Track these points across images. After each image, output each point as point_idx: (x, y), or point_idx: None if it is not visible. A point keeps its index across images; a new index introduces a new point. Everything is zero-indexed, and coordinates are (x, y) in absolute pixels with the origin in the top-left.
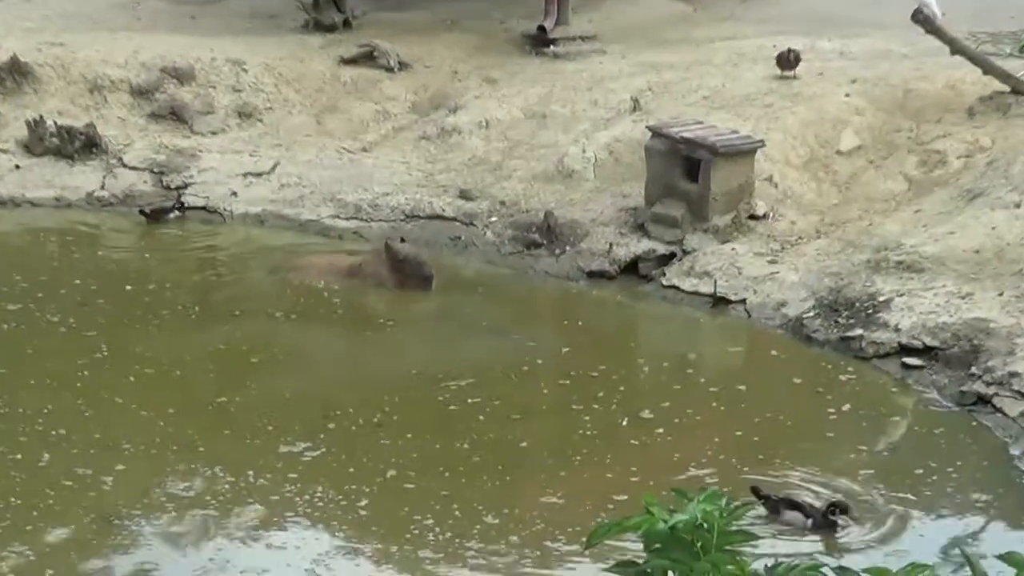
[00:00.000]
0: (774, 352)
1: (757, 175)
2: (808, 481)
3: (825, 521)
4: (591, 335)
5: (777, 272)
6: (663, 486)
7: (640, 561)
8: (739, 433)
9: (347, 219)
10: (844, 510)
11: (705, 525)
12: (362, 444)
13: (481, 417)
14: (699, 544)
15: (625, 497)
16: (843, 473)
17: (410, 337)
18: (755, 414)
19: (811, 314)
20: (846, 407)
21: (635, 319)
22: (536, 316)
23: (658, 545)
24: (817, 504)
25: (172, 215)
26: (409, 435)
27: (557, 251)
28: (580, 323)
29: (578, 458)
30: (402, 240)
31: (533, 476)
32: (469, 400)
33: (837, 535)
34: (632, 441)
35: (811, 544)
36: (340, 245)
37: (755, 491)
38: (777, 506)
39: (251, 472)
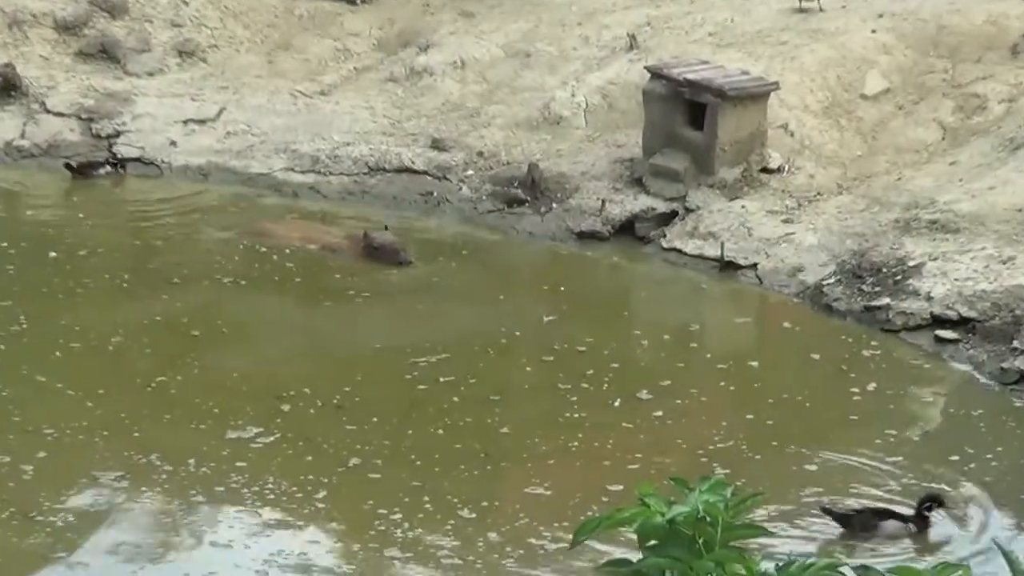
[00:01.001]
0: (789, 324)
1: (770, 122)
2: (828, 473)
3: (923, 520)
4: (580, 304)
5: (793, 233)
6: (662, 475)
7: (634, 559)
8: (750, 416)
9: (302, 172)
10: (939, 503)
11: (708, 518)
12: (320, 429)
13: (455, 398)
14: (701, 540)
15: (620, 487)
16: (869, 461)
17: (375, 308)
18: (768, 394)
19: (831, 281)
20: (871, 386)
21: (631, 286)
22: (518, 283)
23: (654, 541)
24: (894, 506)
25: (103, 170)
26: (374, 419)
27: (542, 209)
28: (568, 291)
29: (566, 444)
30: (385, 228)
31: (515, 464)
32: (441, 379)
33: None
34: (626, 425)
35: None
36: (296, 203)
37: (828, 512)
38: (866, 521)
39: (193, 460)
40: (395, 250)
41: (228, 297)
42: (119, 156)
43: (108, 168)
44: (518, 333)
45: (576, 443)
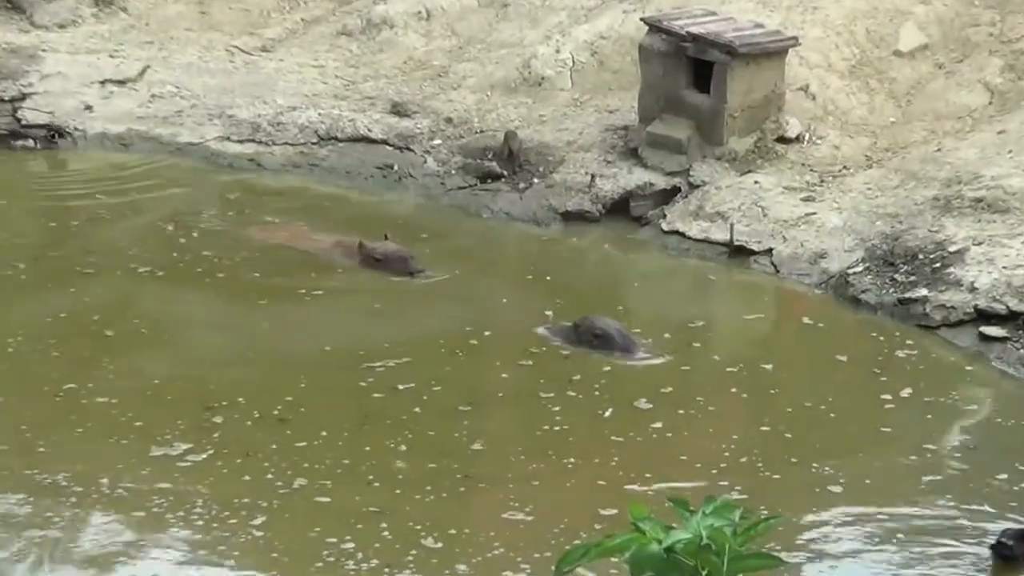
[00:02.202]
0: (810, 319)
1: (788, 84)
2: (856, 494)
3: None
4: (565, 297)
5: (814, 213)
6: (661, 497)
7: None
8: (765, 428)
9: (240, 142)
10: None
11: (712, 546)
12: (259, 444)
13: (417, 409)
14: (704, 572)
15: (612, 512)
16: (903, 481)
17: (322, 305)
18: (786, 402)
19: (859, 269)
20: (906, 392)
21: (625, 275)
22: (492, 273)
23: (650, 573)
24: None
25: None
26: (322, 432)
27: (521, 185)
28: (551, 281)
29: (548, 462)
30: (385, 237)
31: (488, 486)
32: (401, 386)
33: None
34: (619, 439)
35: None
36: (232, 177)
37: (1000, 550)
38: None
39: (106, 480)
40: (403, 259)
41: (147, 291)
42: (23, 122)
43: (23, 142)
44: (491, 332)
45: (560, 460)
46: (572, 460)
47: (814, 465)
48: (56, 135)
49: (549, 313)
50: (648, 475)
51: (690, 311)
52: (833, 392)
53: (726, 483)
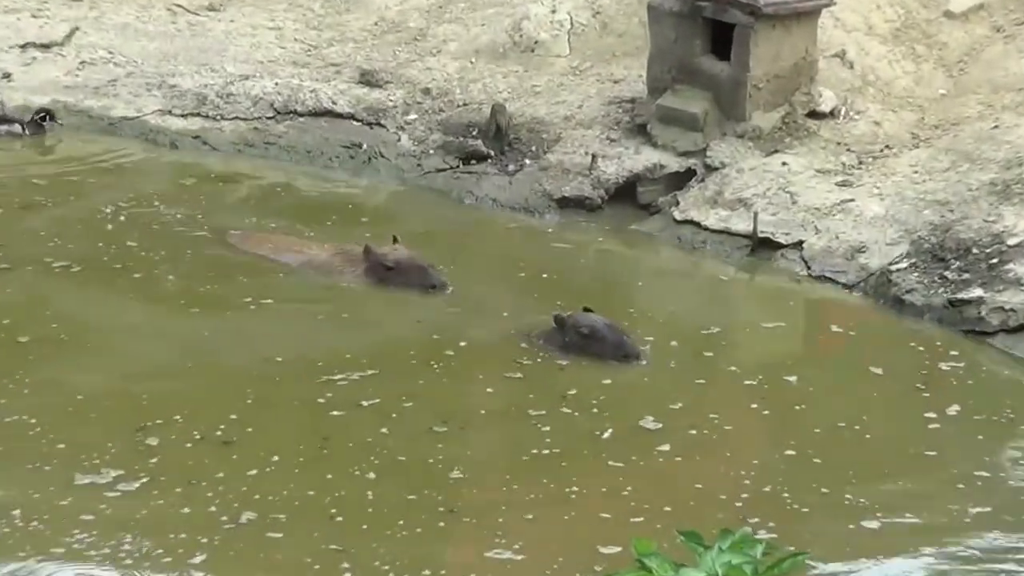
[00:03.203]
0: (844, 325)
1: (822, 50)
2: (896, 529)
3: None
4: (561, 298)
5: (852, 200)
6: (670, 531)
7: None
8: (790, 452)
9: (184, 116)
10: None
11: None
12: (201, 470)
13: (385, 429)
14: None
15: (616, 549)
16: (949, 513)
17: (275, 309)
18: (814, 422)
19: (904, 265)
20: (953, 410)
21: (630, 273)
22: (475, 270)
23: None
24: None
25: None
26: (274, 457)
27: (511, 167)
28: (544, 280)
29: (539, 491)
30: (395, 240)
31: (469, 519)
32: (366, 402)
33: None
34: (619, 464)
35: None
36: (174, 157)
37: None
38: None
39: (18, 512)
40: (420, 269)
41: (66, 290)
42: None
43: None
44: (473, 340)
45: (553, 489)
46: (567, 489)
47: (847, 495)
48: (46, 117)
49: (522, 318)
50: (655, 506)
51: (705, 315)
52: (869, 410)
53: (745, 516)
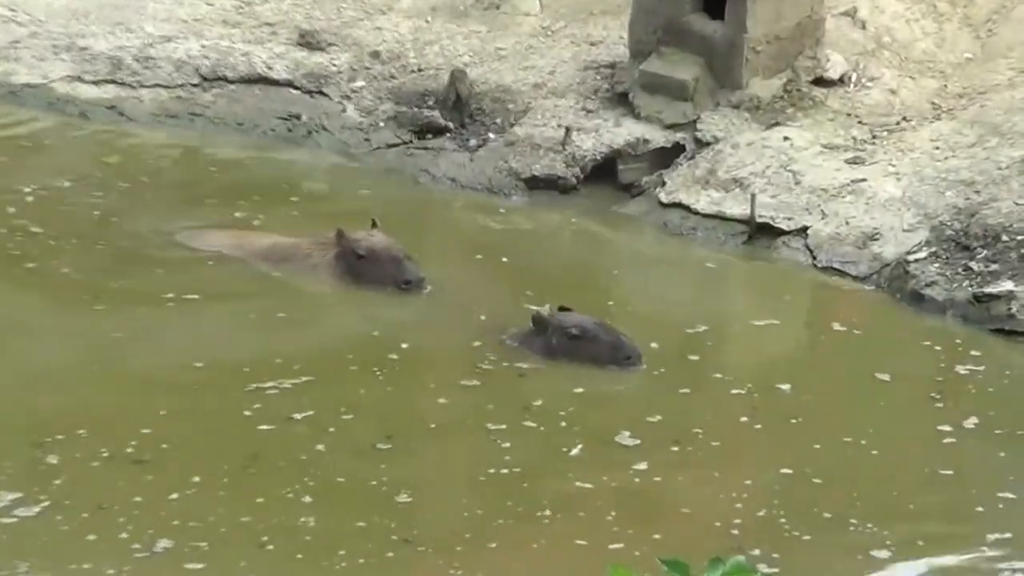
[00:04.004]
0: (851, 324)
1: (830, 7)
2: (908, 560)
3: None
4: (529, 292)
5: (863, 180)
6: (651, 561)
7: None
8: (786, 471)
9: (97, 83)
10: None
11: None
12: (110, 493)
13: (321, 446)
14: None
15: None
16: (967, 540)
17: (196, 308)
18: (814, 436)
19: (922, 254)
20: (971, 422)
21: (607, 264)
22: (430, 258)
23: None
24: None
25: None
26: (194, 478)
27: (473, 142)
28: (509, 272)
29: (500, 517)
30: (373, 225)
31: (419, 549)
32: (299, 415)
33: None
34: (587, 485)
35: None
36: (86, 129)
37: None
38: None
39: None
40: (396, 260)
41: None
42: None
43: None
44: (424, 342)
45: (516, 515)
46: (536, 513)
47: (852, 521)
48: None
49: (481, 316)
50: (632, 532)
51: (692, 311)
52: (875, 422)
53: (738, 545)
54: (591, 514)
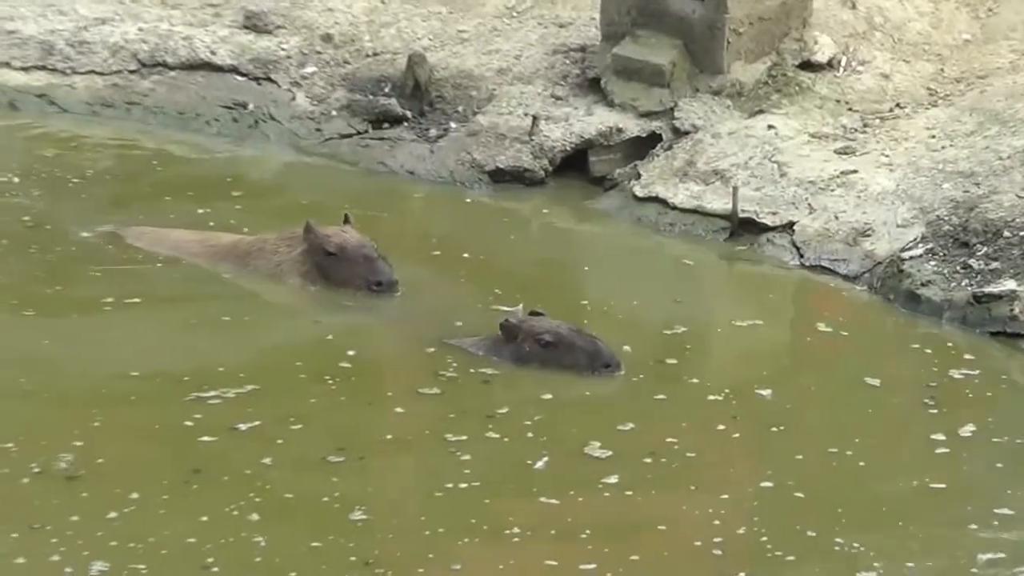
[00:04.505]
0: (837, 326)
1: None
2: None
3: None
4: (498, 290)
5: (854, 172)
6: None
7: None
8: (767, 484)
9: (25, 69)
10: None
11: None
12: (41, 511)
13: (268, 459)
14: None
15: None
16: (960, 560)
17: (135, 313)
18: (797, 446)
19: (918, 252)
20: (967, 430)
21: (578, 262)
22: (387, 256)
23: None
24: None
25: None
26: (132, 494)
27: (433, 132)
28: (475, 269)
29: (456, 537)
30: (346, 220)
31: (382, 572)
32: (243, 425)
33: None
34: (553, 500)
35: None
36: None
37: None
38: None
39: None
40: (368, 260)
41: None
42: None
43: None
44: (380, 347)
45: (479, 533)
46: (499, 533)
47: (838, 540)
48: None
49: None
50: (608, 552)
51: (668, 312)
52: (863, 432)
53: (715, 565)
54: (562, 532)
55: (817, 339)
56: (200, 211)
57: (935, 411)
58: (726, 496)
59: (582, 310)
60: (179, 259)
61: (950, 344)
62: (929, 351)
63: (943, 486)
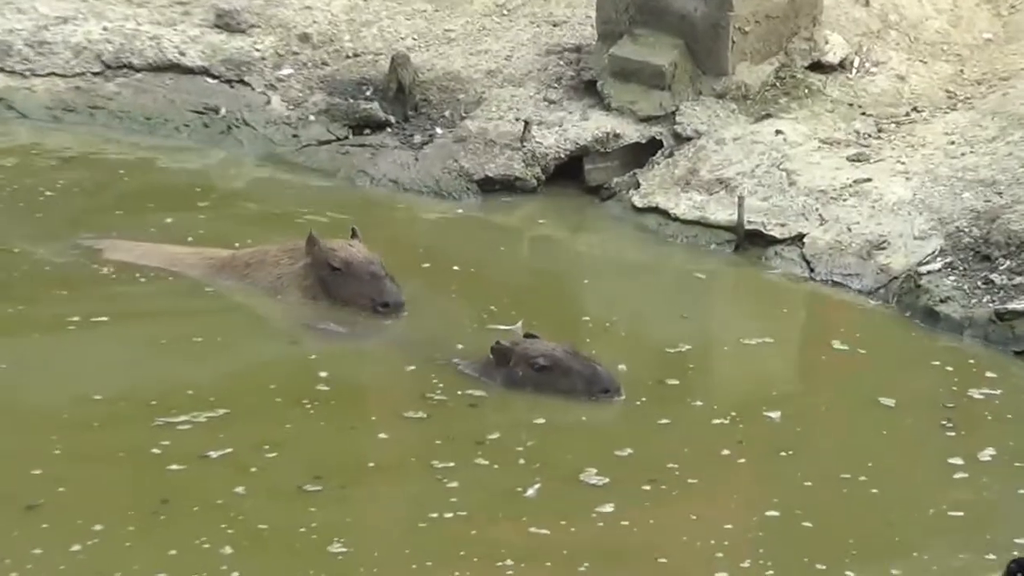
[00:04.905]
0: (852, 343)
1: None
2: None
3: None
4: (485, 308)
5: (868, 180)
6: None
7: None
8: (773, 513)
9: None
10: None
11: None
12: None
13: (241, 488)
14: None
15: None
16: None
17: (100, 332)
18: (806, 472)
19: (936, 266)
20: (987, 454)
21: (573, 276)
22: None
23: None
24: None
25: None
26: (96, 525)
27: (418, 138)
28: (466, 284)
29: (456, 569)
30: (353, 234)
31: None
32: (214, 452)
33: None
34: (543, 531)
35: None
36: None
37: None
38: None
39: None
40: (375, 278)
41: None
42: None
43: None
44: (363, 369)
45: (469, 566)
46: (490, 565)
47: (848, 572)
48: None
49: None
50: None
51: (670, 330)
52: (877, 455)
53: None
54: (555, 564)
55: (830, 357)
56: (168, 221)
57: (953, 433)
58: (730, 526)
59: (581, 326)
60: (163, 274)
61: (971, 362)
62: (949, 369)
63: (961, 514)
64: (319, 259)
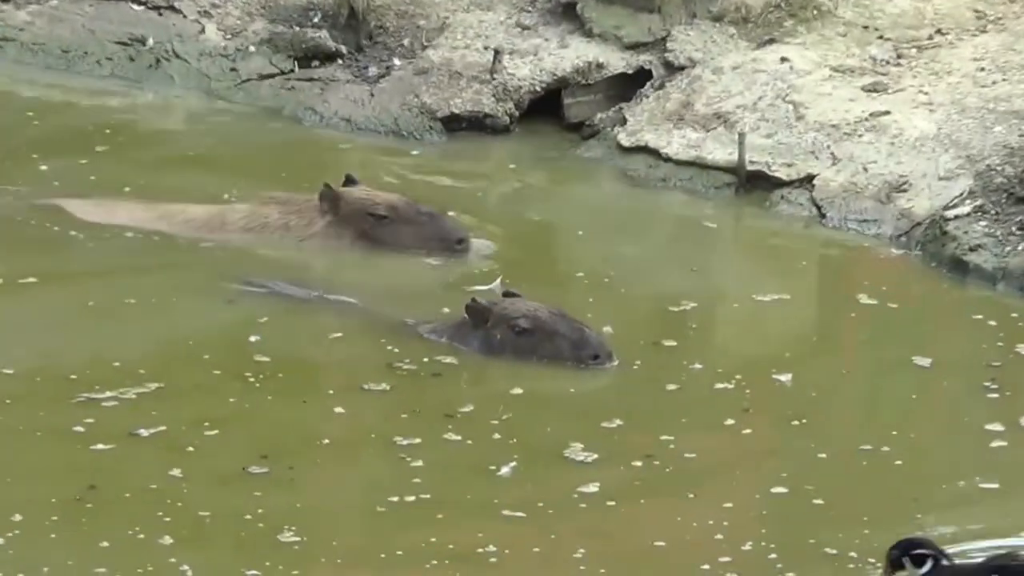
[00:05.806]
0: (873, 296)
1: None
2: None
3: None
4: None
5: (887, 113)
6: None
7: None
8: (781, 490)
9: None
10: None
11: None
12: None
13: (176, 471)
14: None
15: None
16: None
17: (38, 289)
18: (822, 442)
19: (965, 209)
20: None
21: (553, 225)
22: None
23: None
24: None
25: None
26: (15, 515)
27: (372, 70)
28: None
29: (407, 557)
30: (350, 181)
31: None
32: (145, 431)
33: None
34: (519, 513)
35: None
36: None
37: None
38: None
39: None
40: (431, 217)
41: None
42: None
43: None
44: (316, 336)
45: (425, 556)
46: (470, 553)
47: (871, 560)
48: None
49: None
50: (582, 571)
51: (664, 286)
52: (904, 422)
53: None
54: (534, 553)
55: (857, 311)
56: (91, 174)
57: (996, 395)
58: (730, 504)
59: (566, 282)
60: (121, 231)
61: (1014, 315)
62: (992, 323)
63: (995, 485)
64: (354, 211)
